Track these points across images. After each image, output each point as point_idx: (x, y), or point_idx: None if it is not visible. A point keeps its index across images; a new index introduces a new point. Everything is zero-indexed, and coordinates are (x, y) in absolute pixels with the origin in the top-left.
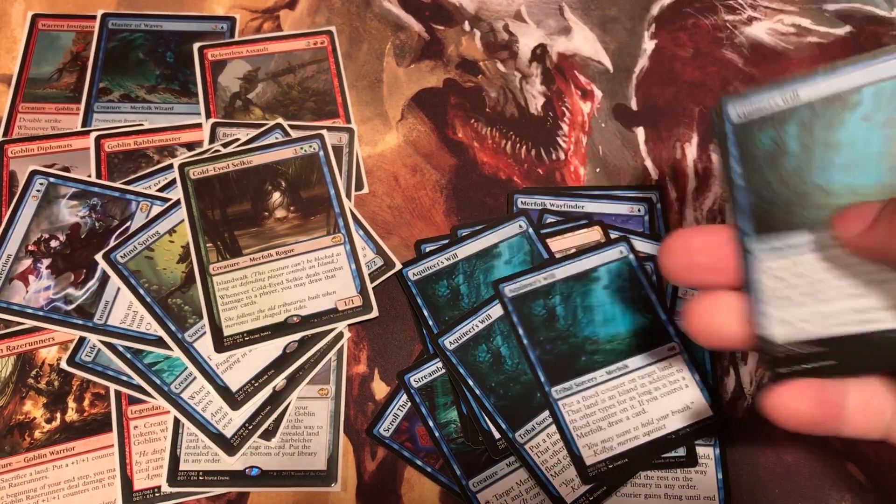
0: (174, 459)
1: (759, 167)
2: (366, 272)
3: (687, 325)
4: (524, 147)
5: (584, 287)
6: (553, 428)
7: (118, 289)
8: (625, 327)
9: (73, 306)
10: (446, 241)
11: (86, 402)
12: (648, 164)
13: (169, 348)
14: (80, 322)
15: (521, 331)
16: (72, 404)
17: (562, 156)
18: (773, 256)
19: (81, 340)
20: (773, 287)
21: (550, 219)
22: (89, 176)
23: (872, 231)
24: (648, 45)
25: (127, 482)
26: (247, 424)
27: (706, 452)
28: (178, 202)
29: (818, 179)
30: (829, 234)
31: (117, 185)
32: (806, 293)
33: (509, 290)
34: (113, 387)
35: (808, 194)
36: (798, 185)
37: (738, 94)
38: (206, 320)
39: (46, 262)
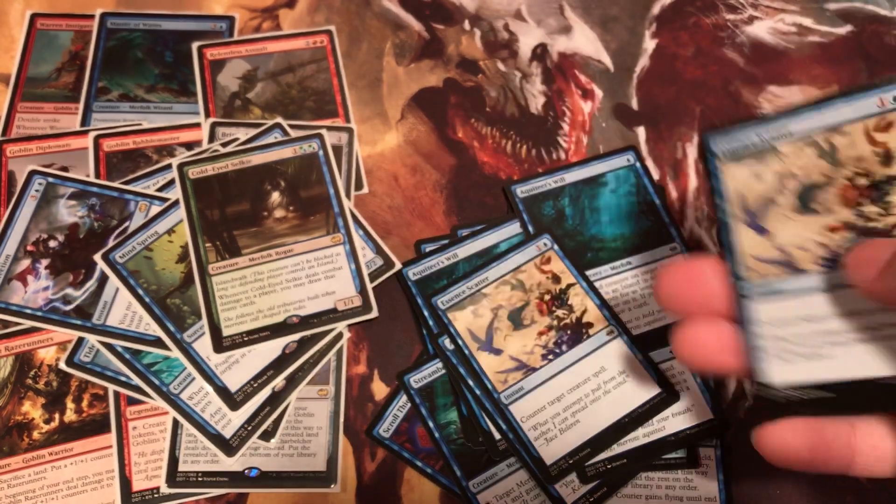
0: (173, 460)
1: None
2: (365, 272)
3: (677, 351)
4: (524, 147)
5: (593, 190)
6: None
7: (117, 289)
8: (629, 228)
9: (71, 306)
10: (446, 241)
11: (84, 403)
12: (649, 163)
13: (168, 349)
14: (79, 322)
15: (530, 228)
16: (70, 405)
17: (562, 155)
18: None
19: (80, 341)
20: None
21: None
22: (88, 176)
23: (888, 275)
24: (649, 44)
25: (126, 483)
26: (246, 425)
27: (707, 453)
28: (176, 202)
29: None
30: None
31: (116, 184)
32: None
33: (521, 191)
34: (112, 387)
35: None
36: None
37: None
38: (205, 320)
39: (45, 262)
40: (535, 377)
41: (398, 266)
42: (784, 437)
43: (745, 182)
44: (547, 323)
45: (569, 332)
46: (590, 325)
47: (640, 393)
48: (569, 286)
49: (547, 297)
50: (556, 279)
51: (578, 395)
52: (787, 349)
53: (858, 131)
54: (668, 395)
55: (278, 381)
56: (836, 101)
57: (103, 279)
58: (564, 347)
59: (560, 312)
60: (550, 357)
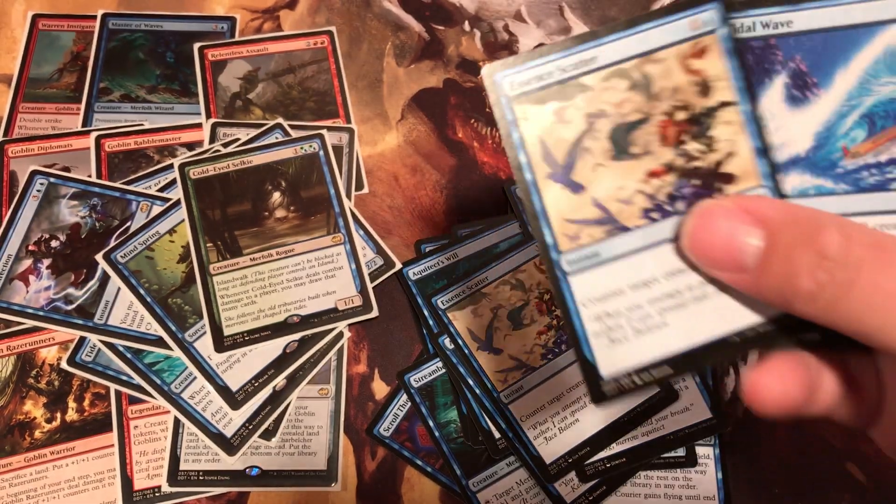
0: (174, 459)
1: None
2: (366, 272)
3: (746, 397)
4: None
5: None
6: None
7: (118, 289)
8: None
9: (73, 306)
10: (446, 241)
11: (86, 402)
12: None
13: (169, 348)
14: (81, 322)
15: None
16: (72, 404)
17: None
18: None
19: (82, 340)
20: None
21: None
22: (90, 176)
23: (770, 273)
24: None
25: (127, 482)
26: (247, 424)
27: (706, 452)
28: (178, 202)
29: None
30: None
31: (118, 185)
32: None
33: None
34: (113, 386)
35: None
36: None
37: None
38: (206, 320)
39: (47, 262)
40: (535, 376)
41: (398, 266)
42: (779, 384)
43: (548, 127)
44: (546, 322)
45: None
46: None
47: (689, 414)
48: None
49: (546, 297)
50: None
51: (578, 395)
52: (618, 327)
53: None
54: (666, 395)
55: (279, 381)
56: (645, 24)
57: (105, 279)
58: (564, 347)
59: (558, 312)
60: (550, 357)
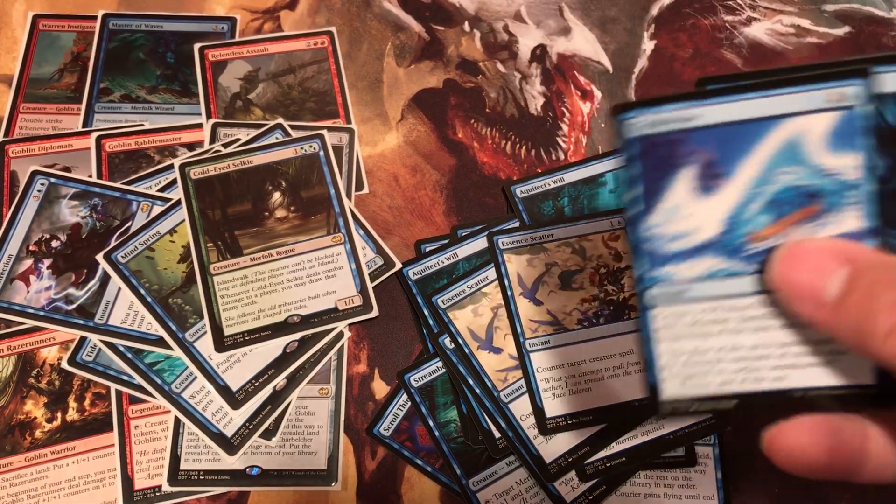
0: (175, 459)
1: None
2: (366, 272)
3: (770, 450)
4: (524, 147)
5: (592, 190)
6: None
7: (119, 289)
8: None
9: (73, 306)
10: (446, 241)
11: (86, 402)
12: None
13: (170, 348)
14: (81, 322)
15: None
16: (72, 404)
17: (561, 156)
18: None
19: (82, 340)
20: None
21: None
22: (90, 176)
23: (849, 308)
24: (648, 45)
25: (127, 481)
26: (247, 424)
27: (705, 452)
28: (178, 202)
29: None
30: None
31: (118, 185)
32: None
33: (520, 191)
34: (114, 386)
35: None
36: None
37: None
38: (206, 320)
39: (47, 262)
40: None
41: (398, 266)
42: (800, 440)
43: (523, 267)
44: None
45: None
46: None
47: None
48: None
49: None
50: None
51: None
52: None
53: (599, 239)
54: (717, 422)
55: (279, 380)
56: (582, 220)
57: (105, 279)
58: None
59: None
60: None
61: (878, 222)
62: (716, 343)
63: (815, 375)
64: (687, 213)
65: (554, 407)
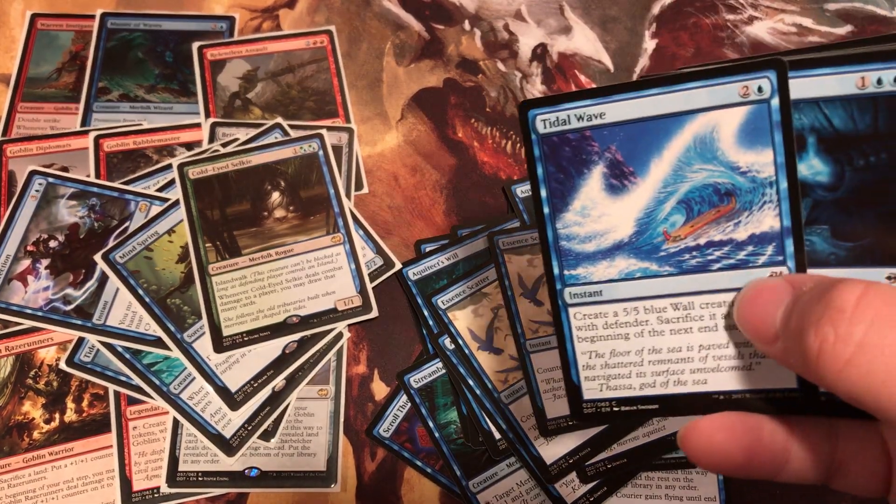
0: (173, 460)
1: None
2: (365, 272)
3: (684, 446)
4: (524, 147)
5: None
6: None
7: (117, 289)
8: None
9: (71, 306)
10: (446, 241)
11: (85, 403)
12: None
13: (168, 348)
14: (79, 322)
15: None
16: (71, 405)
17: None
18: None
19: (80, 341)
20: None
21: None
22: (88, 176)
23: (787, 333)
24: (649, 44)
25: (126, 483)
26: (246, 425)
27: None
28: (177, 202)
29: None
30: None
31: (116, 185)
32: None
33: (521, 190)
34: (112, 387)
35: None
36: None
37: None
38: (205, 320)
39: (45, 262)
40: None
41: (398, 266)
42: (715, 438)
43: (523, 268)
44: None
45: None
46: None
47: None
48: None
49: None
50: None
51: None
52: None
53: None
54: None
55: (278, 381)
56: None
57: (103, 279)
58: None
59: None
60: None
61: (797, 223)
62: (636, 345)
63: (737, 379)
64: (600, 212)
65: (555, 408)
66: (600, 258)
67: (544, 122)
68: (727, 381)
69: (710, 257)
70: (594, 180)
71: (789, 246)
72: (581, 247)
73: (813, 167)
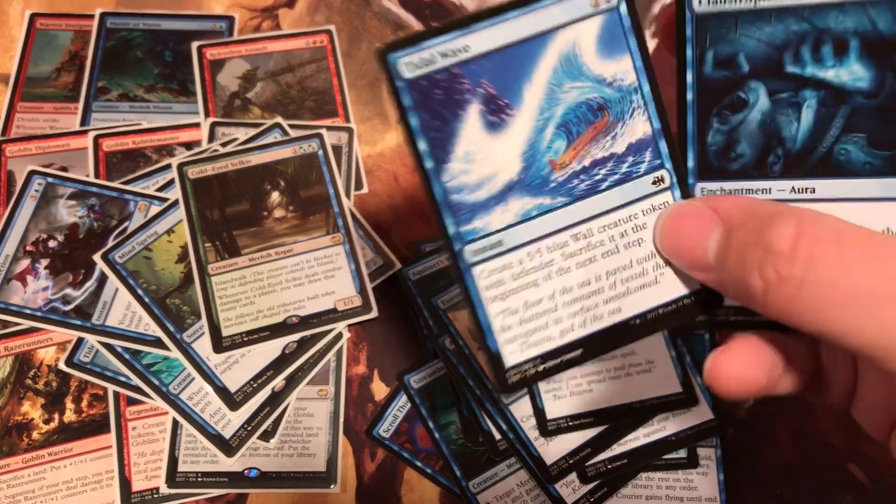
0: (173, 460)
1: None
2: (365, 272)
3: (714, 384)
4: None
5: None
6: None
7: (116, 289)
8: None
9: (71, 307)
10: None
11: (84, 403)
12: None
13: (167, 349)
14: (79, 322)
15: None
16: (70, 405)
17: None
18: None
19: (80, 341)
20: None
21: None
22: (87, 176)
23: (726, 270)
24: (649, 44)
25: (125, 483)
26: (245, 425)
27: (707, 453)
28: (176, 202)
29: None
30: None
31: (116, 184)
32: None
33: None
34: (111, 387)
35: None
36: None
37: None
38: (204, 320)
39: (45, 262)
40: None
41: (398, 266)
42: (741, 366)
43: None
44: None
45: None
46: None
47: (659, 386)
48: None
49: None
50: None
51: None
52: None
53: None
54: (686, 397)
55: (278, 382)
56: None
57: (103, 279)
58: None
59: None
60: None
61: (664, 122)
62: (547, 290)
63: (647, 297)
64: (484, 154)
65: (555, 408)
66: (493, 204)
67: (408, 65)
68: (639, 302)
69: (596, 177)
70: (472, 120)
71: (664, 147)
72: (473, 196)
73: (854, 73)
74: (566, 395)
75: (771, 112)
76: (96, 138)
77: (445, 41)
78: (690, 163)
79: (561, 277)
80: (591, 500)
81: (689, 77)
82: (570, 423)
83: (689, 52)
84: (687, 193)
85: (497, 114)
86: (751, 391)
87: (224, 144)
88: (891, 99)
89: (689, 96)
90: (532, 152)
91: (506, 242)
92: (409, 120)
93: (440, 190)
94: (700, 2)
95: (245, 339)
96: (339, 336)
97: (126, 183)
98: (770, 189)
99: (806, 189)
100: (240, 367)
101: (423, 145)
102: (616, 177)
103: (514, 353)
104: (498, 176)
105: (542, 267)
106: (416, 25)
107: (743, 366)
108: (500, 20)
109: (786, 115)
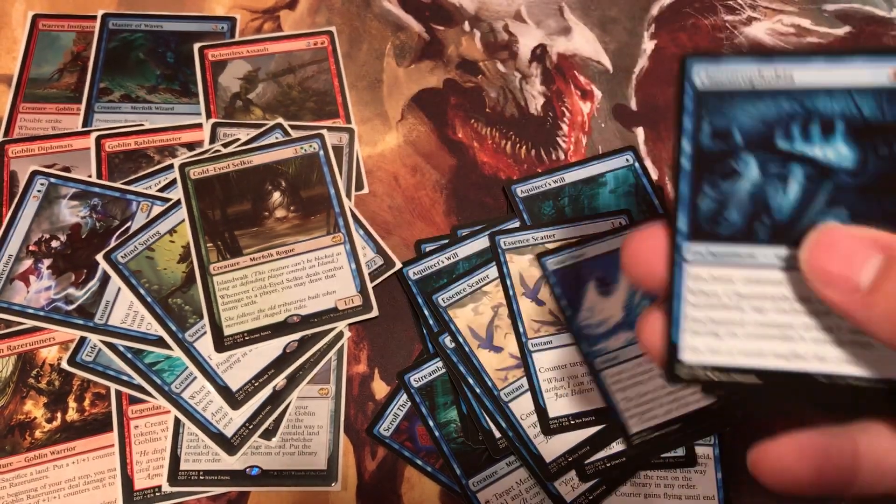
0: (175, 459)
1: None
2: (366, 272)
3: (754, 469)
4: (524, 147)
5: (592, 190)
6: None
7: (119, 289)
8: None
9: (73, 306)
10: (446, 241)
11: (86, 402)
12: (648, 163)
13: (169, 348)
14: (81, 322)
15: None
16: (72, 404)
17: (562, 156)
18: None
19: (82, 340)
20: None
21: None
22: (90, 176)
23: (881, 294)
24: (648, 45)
25: (127, 482)
26: (247, 424)
27: (705, 452)
28: (178, 202)
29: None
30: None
31: (118, 185)
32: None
33: (521, 190)
34: (113, 386)
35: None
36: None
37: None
38: (206, 320)
39: (47, 262)
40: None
41: (398, 265)
42: (786, 460)
43: (525, 268)
44: None
45: None
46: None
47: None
48: None
49: None
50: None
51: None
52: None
53: None
54: (718, 421)
55: (279, 380)
56: (584, 221)
57: (105, 279)
58: None
59: None
60: None
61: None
62: (650, 386)
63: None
64: (600, 308)
65: (557, 407)
66: (609, 336)
67: (551, 263)
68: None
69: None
70: (591, 291)
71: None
72: (595, 331)
73: (839, 152)
74: (568, 394)
75: (760, 183)
76: (98, 139)
77: (570, 252)
78: (682, 226)
79: (654, 380)
80: (590, 497)
81: (686, 145)
82: (572, 422)
83: (687, 123)
84: None
85: (605, 286)
86: (796, 489)
87: (226, 145)
88: (872, 178)
89: (685, 163)
90: (629, 306)
91: (619, 357)
92: (555, 289)
93: (575, 327)
94: (703, 82)
95: (246, 338)
96: (340, 335)
97: (128, 183)
98: (755, 254)
99: (791, 257)
100: (241, 367)
101: (563, 304)
102: None
103: (634, 427)
104: (610, 319)
105: (644, 373)
106: (416, 27)
107: (789, 460)
108: (603, 241)
109: (774, 186)
